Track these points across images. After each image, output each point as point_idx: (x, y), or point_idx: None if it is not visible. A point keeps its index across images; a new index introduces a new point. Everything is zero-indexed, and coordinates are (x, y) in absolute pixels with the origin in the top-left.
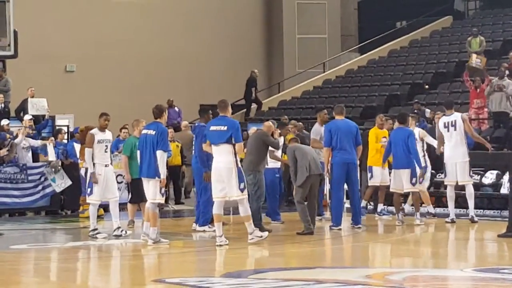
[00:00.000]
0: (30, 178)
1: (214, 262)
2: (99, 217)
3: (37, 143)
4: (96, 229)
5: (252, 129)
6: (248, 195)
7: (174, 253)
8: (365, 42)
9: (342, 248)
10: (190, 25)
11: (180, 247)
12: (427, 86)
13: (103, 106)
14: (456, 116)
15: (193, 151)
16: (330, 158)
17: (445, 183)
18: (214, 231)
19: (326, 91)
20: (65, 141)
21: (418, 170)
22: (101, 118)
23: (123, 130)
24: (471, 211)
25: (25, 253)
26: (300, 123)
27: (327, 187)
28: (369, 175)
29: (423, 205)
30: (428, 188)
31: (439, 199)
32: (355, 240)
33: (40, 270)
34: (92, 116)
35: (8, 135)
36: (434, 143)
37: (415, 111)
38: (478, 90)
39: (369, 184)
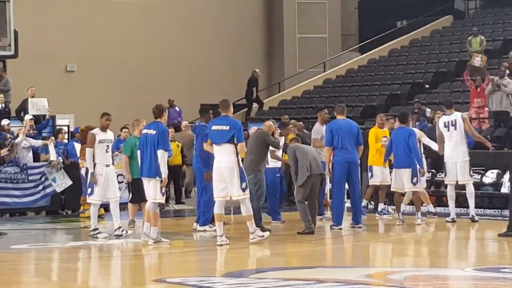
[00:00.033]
0: (30, 178)
1: (215, 261)
2: (100, 217)
3: (38, 143)
4: (97, 229)
5: (253, 129)
6: None
7: (174, 253)
8: (366, 42)
9: (343, 247)
10: (190, 25)
11: (180, 246)
12: (427, 86)
13: (104, 106)
14: (456, 116)
15: (194, 151)
16: (331, 158)
17: (445, 183)
18: (215, 230)
19: (326, 90)
20: (66, 141)
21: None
22: (103, 118)
23: (123, 130)
24: (472, 210)
25: (25, 253)
26: (301, 122)
27: (328, 186)
28: (369, 174)
29: (423, 204)
30: (429, 188)
31: (439, 199)
32: (355, 239)
33: (40, 270)
34: (92, 116)
35: (8, 135)
36: (431, 144)
37: (416, 110)
38: (478, 89)
39: (370, 184)
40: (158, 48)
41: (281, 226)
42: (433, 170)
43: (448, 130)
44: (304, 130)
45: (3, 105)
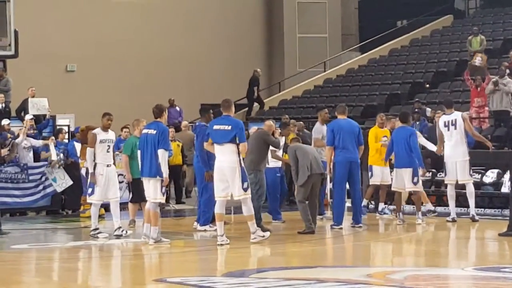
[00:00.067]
0: (31, 178)
1: (215, 261)
2: (100, 216)
3: (39, 143)
4: (97, 229)
5: (253, 128)
6: None
7: (175, 253)
8: (366, 41)
9: (343, 247)
10: (191, 25)
11: (181, 246)
12: (427, 85)
13: (104, 106)
14: (457, 115)
15: (194, 151)
16: (332, 157)
17: (445, 182)
18: (215, 230)
19: (327, 90)
20: (66, 140)
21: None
22: (104, 118)
23: (124, 130)
24: (472, 210)
25: (26, 253)
26: (301, 122)
27: (328, 186)
28: (369, 174)
29: (422, 204)
30: (429, 187)
31: (440, 198)
32: (356, 239)
33: (41, 269)
34: (92, 116)
35: (9, 135)
36: (427, 144)
37: (416, 110)
38: (478, 88)
39: (370, 183)
40: (158, 48)
41: (281, 226)
42: (433, 170)
43: (448, 130)
44: (305, 130)
45: (3, 105)
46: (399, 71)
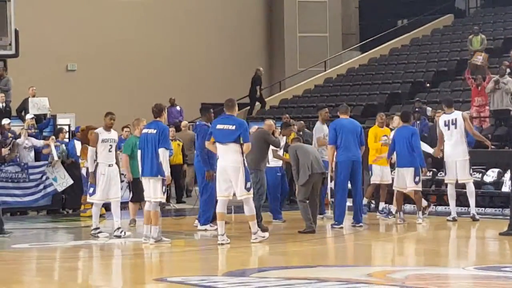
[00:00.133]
0: (31, 177)
1: (216, 260)
2: (101, 216)
3: (40, 143)
4: (98, 228)
5: (253, 128)
6: None
7: (175, 252)
8: (366, 41)
9: (344, 246)
10: (191, 24)
11: (181, 246)
12: (428, 85)
13: (104, 105)
14: (457, 114)
15: (195, 150)
16: (334, 157)
17: (445, 182)
18: (215, 230)
19: (327, 89)
20: (66, 140)
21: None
22: (107, 117)
23: (124, 129)
24: (473, 209)
25: (26, 252)
26: (302, 121)
27: (329, 185)
28: (370, 173)
29: (385, 203)
30: (429, 187)
31: (440, 198)
32: (356, 238)
33: (42, 269)
34: (93, 115)
35: (9, 134)
36: (424, 147)
37: (417, 109)
38: (479, 88)
39: (370, 182)
40: (159, 47)
41: (282, 225)
42: (433, 169)
43: (449, 129)
44: (305, 129)
45: (4, 104)
46: (399, 70)
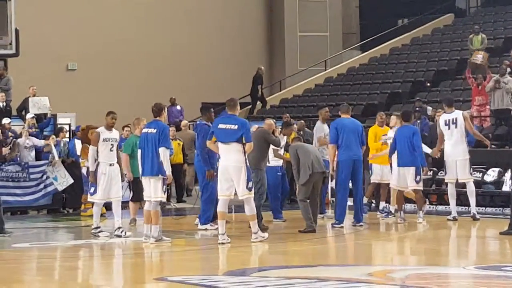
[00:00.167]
0: (32, 176)
1: (217, 260)
2: (101, 215)
3: (41, 142)
4: (98, 227)
5: (253, 127)
6: None
7: (176, 252)
8: (367, 40)
9: (344, 246)
10: (192, 23)
11: (182, 245)
12: (428, 84)
13: (105, 105)
14: (457, 114)
15: (195, 150)
16: (335, 156)
17: (446, 181)
18: (216, 229)
19: (327, 89)
20: (67, 139)
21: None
22: (108, 117)
23: (125, 129)
24: (473, 208)
25: (27, 252)
26: (302, 121)
27: (330, 185)
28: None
29: (386, 202)
30: (430, 186)
31: (441, 197)
32: (357, 238)
33: (42, 268)
34: (93, 115)
35: (10, 134)
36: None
37: (417, 108)
38: (480, 87)
39: (370, 182)
40: (159, 46)
41: (282, 225)
42: (434, 169)
43: (449, 128)
44: (306, 129)
45: (4, 103)
46: (400, 69)
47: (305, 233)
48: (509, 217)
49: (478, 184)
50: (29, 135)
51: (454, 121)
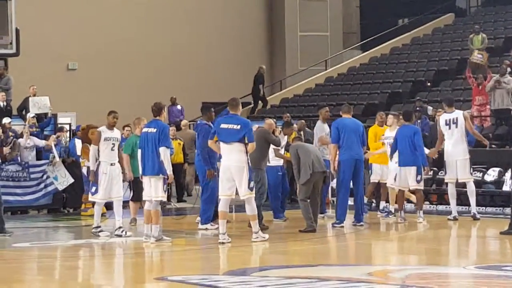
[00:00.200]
0: (32, 176)
1: (217, 260)
2: (102, 215)
3: (41, 143)
4: (99, 227)
5: (254, 127)
6: None
7: (176, 251)
8: (367, 40)
9: (345, 245)
10: (192, 23)
11: (182, 245)
12: (429, 84)
13: (105, 104)
14: (458, 114)
15: (196, 149)
16: (336, 155)
17: (446, 181)
18: (216, 229)
19: (328, 88)
20: (67, 139)
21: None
22: (110, 116)
23: (125, 128)
24: (473, 208)
25: (27, 251)
26: (302, 120)
27: (331, 184)
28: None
29: (385, 202)
30: (430, 186)
31: (441, 197)
32: (357, 237)
33: (42, 268)
34: (94, 114)
35: (10, 133)
36: None
37: (417, 108)
38: (480, 87)
39: (370, 181)
40: (160, 46)
41: (283, 224)
42: (434, 168)
43: (449, 128)
44: (306, 128)
45: (5, 103)
46: (400, 69)
47: (306, 233)
48: (509, 216)
49: (479, 183)
50: (30, 134)
51: (455, 120)
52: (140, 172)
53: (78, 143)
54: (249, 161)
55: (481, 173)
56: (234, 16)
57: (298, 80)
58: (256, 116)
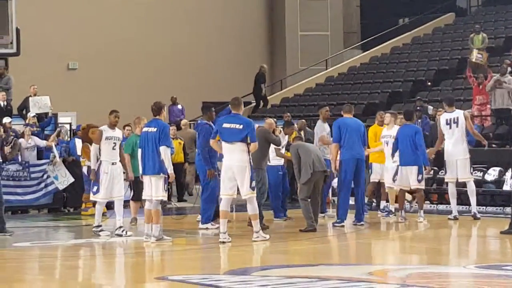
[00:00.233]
0: (32, 175)
1: (217, 259)
2: (103, 214)
3: (42, 143)
4: (100, 226)
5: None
6: None
7: (177, 251)
8: (368, 39)
9: (345, 245)
10: (193, 23)
11: (183, 244)
12: (429, 83)
13: (106, 104)
14: (459, 113)
15: (196, 149)
16: (338, 155)
17: (446, 180)
18: (217, 228)
19: (328, 88)
20: (68, 138)
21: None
22: (111, 115)
23: (126, 128)
24: (474, 207)
25: (28, 251)
26: (303, 120)
27: (333, 183)
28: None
29: (386, 201)
30: (431, 185)
31: (441, 196)
32: (358, 237)
33: (43, 267)
34: (94, 114)
35: (11, 133)
36: None
37: (418, 108)
38: (480, 86)
39: (370, 181)
40: (160, 46)
41: (283, 224)
42: (435, 168)
43: (450, 128)
44: (307, 128)
45: (5, 103)
46: (401, 69)
47: (306, 232)
48: (509, 216)
49: (479, 183)
50: (32, 134)
51: (456, 120)
52: (140, 171)
53: (78, 142)
54: (251, 160)
55: (482, 173)
56: (234, 15)
57: (298, 79)
58: (256, 115)
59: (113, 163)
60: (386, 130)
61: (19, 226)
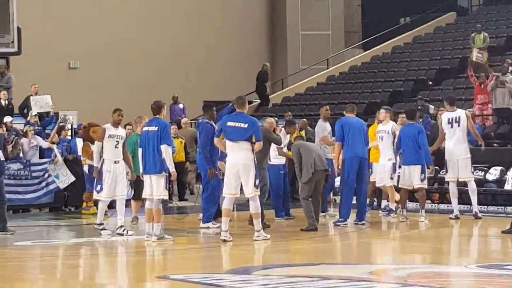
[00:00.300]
0: (33, 174)
1: (219, 258)
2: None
3: (45, 144)
4: (102, 224)
5: None
6: None
7: (178, 250)
8: (369, 38)
9: (346, 244)
10: (194, 22)
11: (184, 243)
12: (430, 82)
13: (107, 103)
14: (460, 113)
15: (197, 148)
16: (341, 154)
17: (446, 180)
18: (218, 227)
19: (329, 87)
20: (69, 137)
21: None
22: (115, 114)
23: (127, 127)
24: (475, 207)
25: (29, 250)
26: (304, 119)
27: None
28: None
29: (387, 201)
30: (432, 185)
31: (443, 196)
32: (359, 236)
33: (44, 266)
34: (95, 113)
35: (12, 132)
36: None
37: (419, 107)
38: (482, 86)
39: (370, 180)
40: (162, 45)
41: (284, 223)
42: (436, 167)
43: (452, 127)
44: (308, 127)
45: (6, 102)
46: (402, 68)
47: (307, 232)
48: (511, 216)
49: (480, 182)
50: (34, 133)
51: (457, 119)
52: (141, 170)
53: (79, 141)
54: (255, 159)
55: (483, 172)
56: (235, 15)
57: (299, 79)
58: (257, 115)
59: (115, 162)
60: (382, 126)
61: (20, 225)
